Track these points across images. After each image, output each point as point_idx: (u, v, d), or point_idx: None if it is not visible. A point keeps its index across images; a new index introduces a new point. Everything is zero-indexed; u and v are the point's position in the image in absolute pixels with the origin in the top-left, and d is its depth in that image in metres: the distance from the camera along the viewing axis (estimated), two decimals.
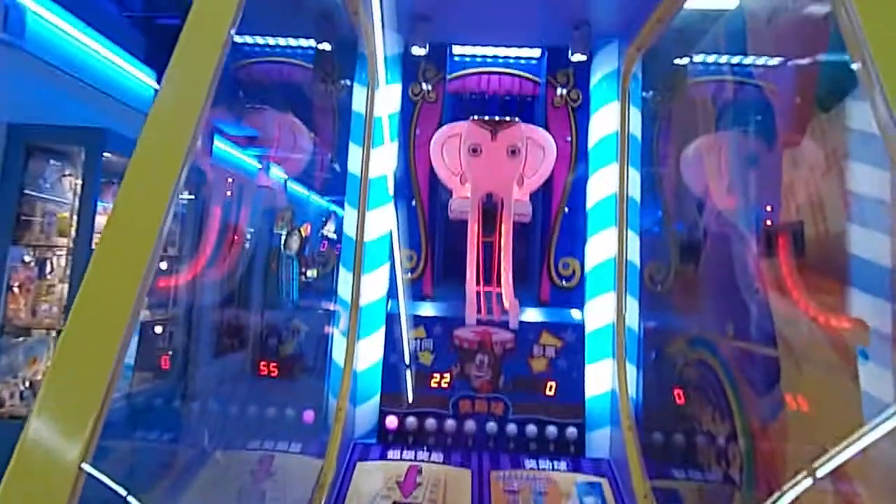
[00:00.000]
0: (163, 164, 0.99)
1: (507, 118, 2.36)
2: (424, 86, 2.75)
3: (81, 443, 0.79)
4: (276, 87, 2.75)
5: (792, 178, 2.13)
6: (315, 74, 2.70)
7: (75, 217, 2.71)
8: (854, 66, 1.01)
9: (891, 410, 0.93)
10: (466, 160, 2.35)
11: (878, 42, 0.96)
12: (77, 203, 2.73)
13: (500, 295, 2.31)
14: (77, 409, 0.82)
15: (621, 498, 2.24)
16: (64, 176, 2.83)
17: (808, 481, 1.28)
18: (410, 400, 2.56)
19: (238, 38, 2.79)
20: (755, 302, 2.19)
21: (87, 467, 0.79)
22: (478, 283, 2.31)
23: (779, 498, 1.36)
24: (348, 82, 2.72)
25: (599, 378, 2.59)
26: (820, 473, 1.26)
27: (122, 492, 0.90)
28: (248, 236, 2.83)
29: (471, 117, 2.37)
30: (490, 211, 2.37)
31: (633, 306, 2.59)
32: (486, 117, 2.35)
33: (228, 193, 2.79)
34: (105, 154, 2.70)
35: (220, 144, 2.90)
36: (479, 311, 2.29)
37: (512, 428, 2.53)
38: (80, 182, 2.74)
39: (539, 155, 2.39)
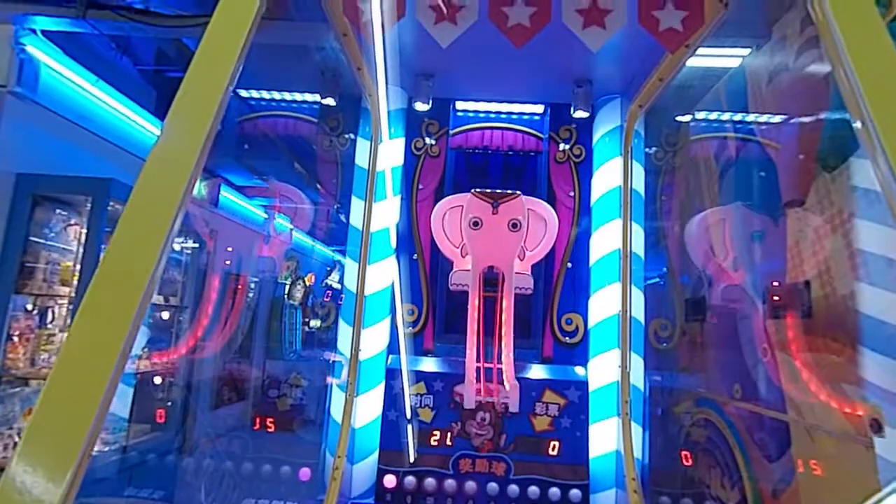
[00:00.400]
0: (157, 211, 0.99)
1: (509, 191, 2.35)
2: (427, 140, 2.77)
3: (61, 490, 0.78)
4: (281, 141, 2.78)
5: (797, 238, 2.11)
6: (319, 128, 2.74)
7: (78, 266, 2.71)
8: (855, 126, 1.01)
9: None
10: (467, 234, 2.34)
11: (876, 102, 0.97)
12: (81, 252, 2.73)
13: (500, 370, 2.26)
14: (58, 456, 0.81)
15: None
16: (69, 225, 2.84)
17: None
18: (412, 459, 2.50)
19: (244, 93, 2.85)
20: (762, 365, 2.14)
21: None
22: (477, 357, 2.26)
23: None
24: (352, 136, 2.75)
25: (604, 437, 2.52)
26: None
27: None
28: (252, 287, 2.82)
29: (472, 190, 2.37)
30: (491, 280, 2.34)
31: (637, 364, 2.55)
32: (488, 190, 2.35)
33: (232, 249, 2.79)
34: (111, 204, 2.72)
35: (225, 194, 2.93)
36: (479, 391, 2.23)
37: (514, 489, 2.46)
38: (84, 231, 2.75)
39: (541, 227, 2.38)
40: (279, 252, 2.87)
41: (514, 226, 2.28)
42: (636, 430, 2.48)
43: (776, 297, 2.07)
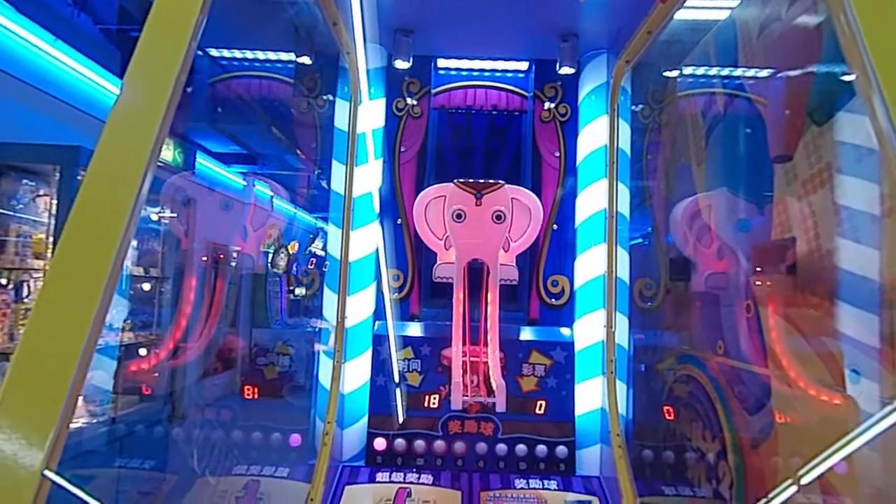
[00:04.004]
0: (125, 171, 0.95)
1: (492, 181, 2.27)
2: (409, 101, 2.67)
3: (44, 450, 0.78)
4: (256, 103, 2.66)
5: (784, 193, 2.10)
6: (296, 89, 2.62)
7: (51, 238, 2.63)
8: (852, 74, 0.98)
9: (872, 420, 0.94)
10: (451, 226, 2.27)
11: (877, 48, 0.93)
12: (53, 223, 2.64)
13: (486, 364, 2.24)
14: (38, 415, 0.80)
15: None
16: (38, 196, 2.74)
17: (793, 489, 1.28)
18: (402, 420, 2.52)
19: (214, 52, 2.71)
20: (746, 321, 2.17)
21: (49, 474, 0.78)
22: (464, 347, 2.23)
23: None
24: (330, 97, 2.64)
25: (589, 396, 2.57)
26: (804, 481, 1.26)
27: (87, 498, 0.88)
28: (234, 258, 2.76)
29: (454, 180, 2.28)
30: (476, 270, 2.29)
31: (622, 323, 2.57)
32: (470, 180, 2.26)
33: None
34: (81, 173, 2.61)
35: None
36: (466, 391, 2.21)
37: (502, 447, 2.51)
38: (55, 201, 2.65)
39: (525, 217, 2.32)
40: (261, 222, 2.80)
41: (499, 217, 2.23)
42: (620, 388, 2.53)
43: (761, 254, 2.08)
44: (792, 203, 1.97)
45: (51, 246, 2.65)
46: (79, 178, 2.66)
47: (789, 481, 1.27)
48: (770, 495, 1.33)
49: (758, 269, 2.06)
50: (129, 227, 0.92)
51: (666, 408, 2.58)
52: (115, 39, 2.77)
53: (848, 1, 0.96)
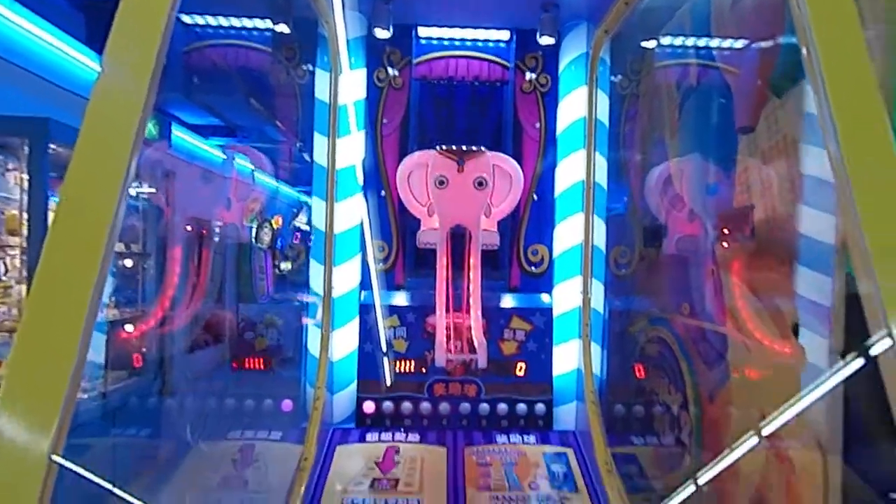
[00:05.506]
0: (112, 149, 0.95)
1: (474, 148, 2.31)
2: (390, 71, 2.65)
3: (50, 434, 0.79)
4: (234, 73, 2.60)
5: (746, 162, 2.22)
6: (274, 58, 2.57)
7: (25, 214, 2.57)
8: (802, 53, 1.04)
9: (823, 377, 1.02)
10: (433, 193, 2.32)
11: (822, 31, 0.98)
12: (25, 199, 2.58)
13: (469, 327, 2.34)
14: (43, 400, 0.81)
15: (585, 465, 2.42)
16: (7, 171, 2.65)
17: (755, 440, 1.41)
18: (389, 383, 2.64)
19: (187, 18, 2.61)
20: (710, 281, 2.31)
21: (57, 458, 0.79)
22: (447, 311, 2.33)
23: (728, 454, 1.51)
24: (310, 67, 2.60)
25: (567, 357, 2.73)
26: (765, 433, 1.40)
27: (99, 481, 0.92)
28: (217, 233, 2.75)
29: (437, 147, 2.31)
30: (459, 237, 2.37)
31: (598, 289, 2.71)
32: (453, 147, 2.30)
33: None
34: (51, 146, 2.53)
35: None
36: (449, 350, 2.33)
37: (484, 407, 2.66)
38: (26, 176, 2.58)
39: (506, 183, 2.38)
40: (244, 193, 2.78)
41: (481, 184, 2.29)
42: (596, 350, 2.69)
43: (724, 221, 2.21)
44: (753, 172, 2.08)
45: (25, 222, 2.59)
46: (50, 151, 2.58)
47: (751, 432, 1.39)
48: (733, 445, 1.47)
49: (721, 233, 2.19)
50: (121, 204, 0.93)
51: (637, 367, 2.77)
52: (79, 4, 2.63)
53: None
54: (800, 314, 1.86)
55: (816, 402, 1.23)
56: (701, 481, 1.54)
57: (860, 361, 0.87)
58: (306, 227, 2.89)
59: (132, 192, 2.89)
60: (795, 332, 1.87)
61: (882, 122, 0.94)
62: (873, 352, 0.83)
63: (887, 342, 0.80)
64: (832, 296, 1.69)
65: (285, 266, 3.24)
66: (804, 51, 1.03)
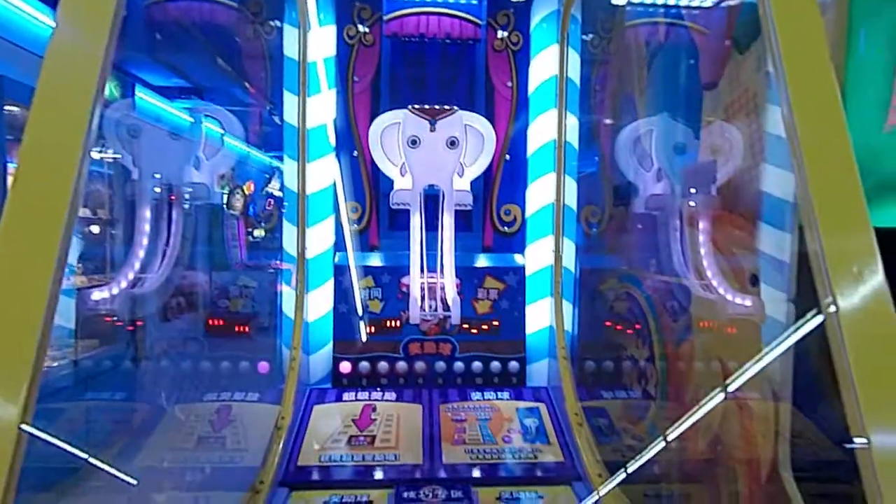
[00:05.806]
0: (71, 109, 0.92)
1: (446, 107, 2.30)
2: (360, 28, 2.61)
3: (18, 402, 0.78)
4: (198, 30, 2.52)
5: (710, 119, 2.27)
6: (240, 14, 2.49)
7: None
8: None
9: (791, 329, 1.05)
10: (406, 152, 2.31)
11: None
12: None
13: (443, 287, 2.37)
14: (11, 368, 0.79)
15: (556, 419, 2.51)
16: None
17: (721, 396, 1.49)
18: (364, 340, 2.66)
19: None
20: (676, 238, 2.38)
21: (26, 427, 0.78)
22: (422, 271, 2.35)
23: (697, 409, 1.59)
24: (278, 23, 2.53)
25: (539, 316, 2.79)
26: (731, 389, 1.47)
27: (71, 449, 0.92)
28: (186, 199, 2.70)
29: (409, 106, 2.29)
30: (432, 197, 2.37)
31: (570, 248, 2.76)
32: (426, 106, 2.28)
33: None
34: (6, 107, 2.44)
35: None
36: (423, 308, 2.36)
37: (459, 365, 2.72)
38: None
39: (479, 143, 2.38)
40: (212, 155, 2.72)
41: (453, 143, 2.28)
42: (567, 308, 2.76)
43: (689, 176, 2.27)
44: (716, 128, 2.14)
45: None
46: (5, 110, 2.49)
47: (718, 389, 1.44)
48: (701, 402, 1.53)
49: (687, 190, 2.25)
50: (83, 166, 0.90)
51: (607, 323, 2.85)
52: None
53: None
54: (761, 270, 1.93)
55: (778, 357, 1.27)
56: (668, 433, 1.61)
57: (820, 318, 0.90)
58: (279, 194, 2.86)
59: (96, 155, 2.82)
60: (754, 283, 1.95)
61: (831, 84, 0.95)
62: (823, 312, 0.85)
63: (832, 307, 0.83)
64: (790, 252, 1.76)
65: (259, 233, 3.22)
66: (760, 7, 1.04)
